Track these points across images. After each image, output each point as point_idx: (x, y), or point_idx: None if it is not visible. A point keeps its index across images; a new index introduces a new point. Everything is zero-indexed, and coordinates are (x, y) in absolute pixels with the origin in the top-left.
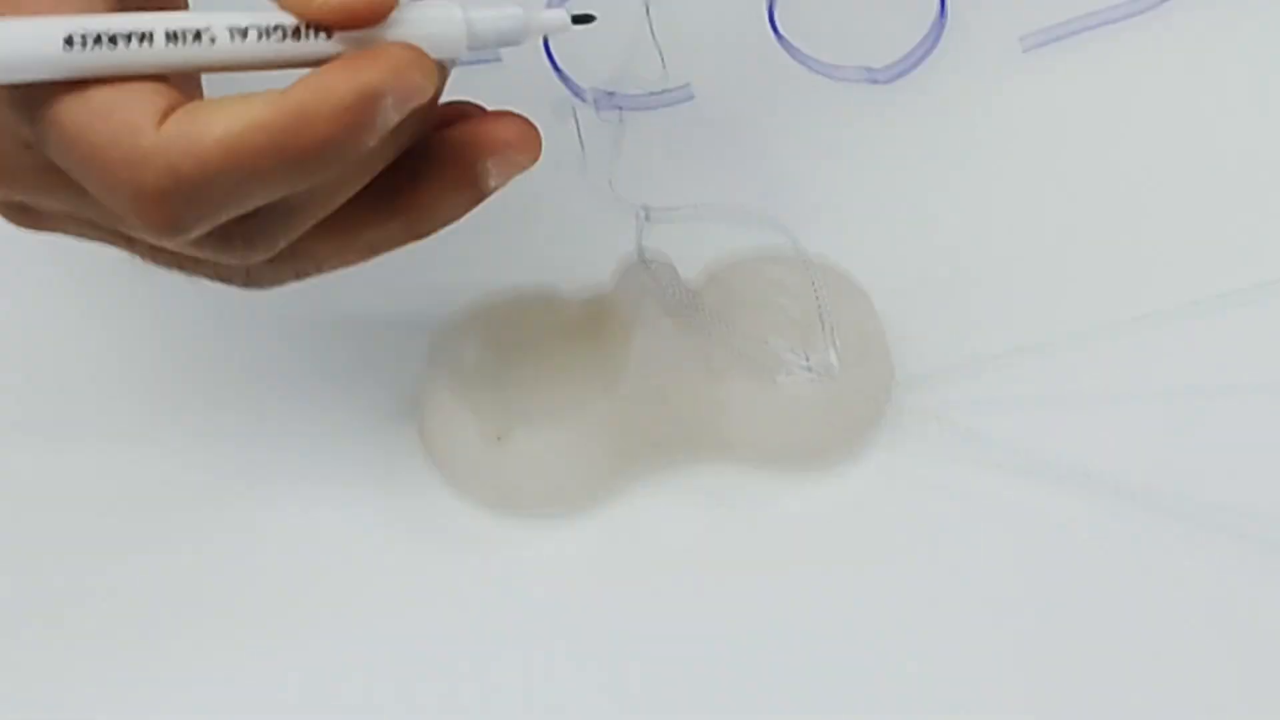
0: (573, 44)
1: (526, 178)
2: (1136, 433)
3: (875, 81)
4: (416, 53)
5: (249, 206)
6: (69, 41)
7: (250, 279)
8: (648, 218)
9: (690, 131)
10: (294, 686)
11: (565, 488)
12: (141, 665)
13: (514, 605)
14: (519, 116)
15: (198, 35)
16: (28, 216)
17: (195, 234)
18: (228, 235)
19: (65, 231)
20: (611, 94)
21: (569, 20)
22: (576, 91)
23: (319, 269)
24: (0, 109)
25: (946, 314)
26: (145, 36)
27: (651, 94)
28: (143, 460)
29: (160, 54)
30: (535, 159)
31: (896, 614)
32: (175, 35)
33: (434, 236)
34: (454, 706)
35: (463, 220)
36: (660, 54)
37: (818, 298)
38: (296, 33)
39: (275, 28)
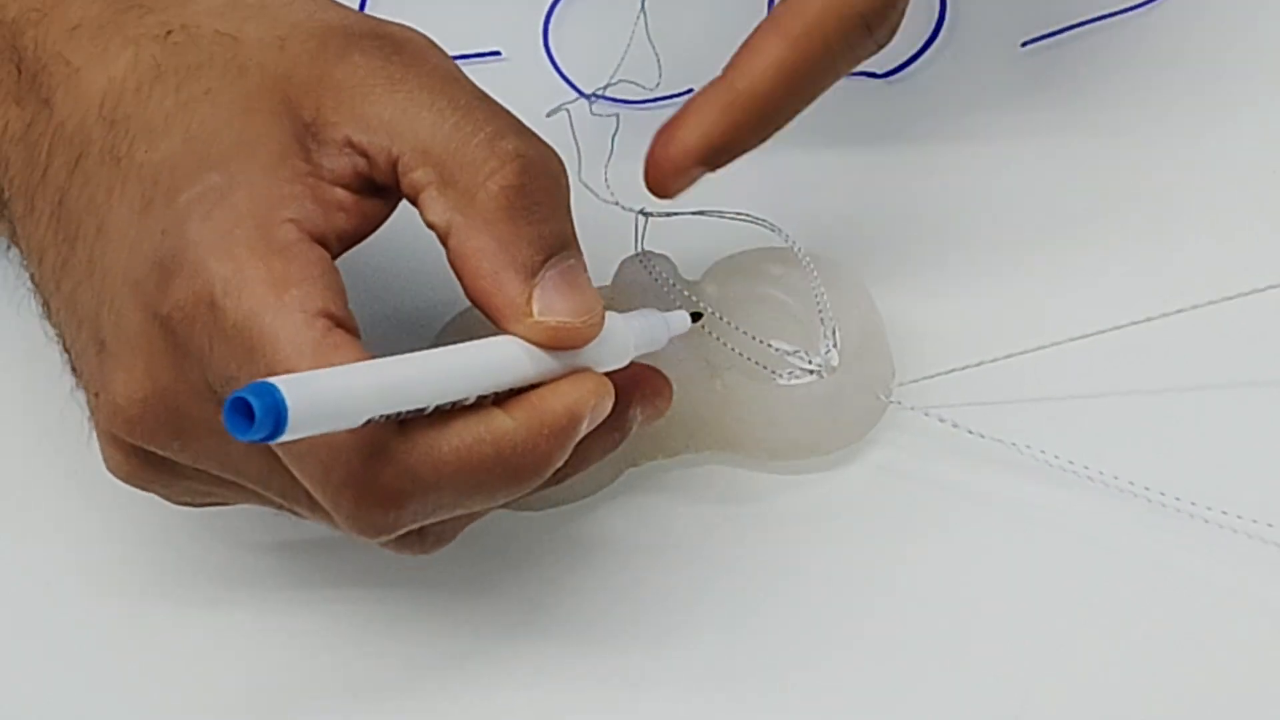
0: (572, 44)
1: None
2: (1136, 431)
3: (875, 79)
4: (603, 380)
5: (458, 512)
6: (368, 421)
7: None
8: (645, 219)
9: None
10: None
11: (567, 484)
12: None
13: (514, 600)
14: (656, 370)
15: (455, 404)
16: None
17: (397, 534)
18: (418, 536)
19: (210, 492)
20: (605, 94)
21: (689, 321)
22: (575, 91)
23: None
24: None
25: (947, 311)
26: (420, 410)
27: (653, 96)
28: None
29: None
30: (669, 406)
31: (896, 609)
32: (444, 407)
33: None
34: (449, 697)
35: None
36: (656, 54)
37: (817, 295)
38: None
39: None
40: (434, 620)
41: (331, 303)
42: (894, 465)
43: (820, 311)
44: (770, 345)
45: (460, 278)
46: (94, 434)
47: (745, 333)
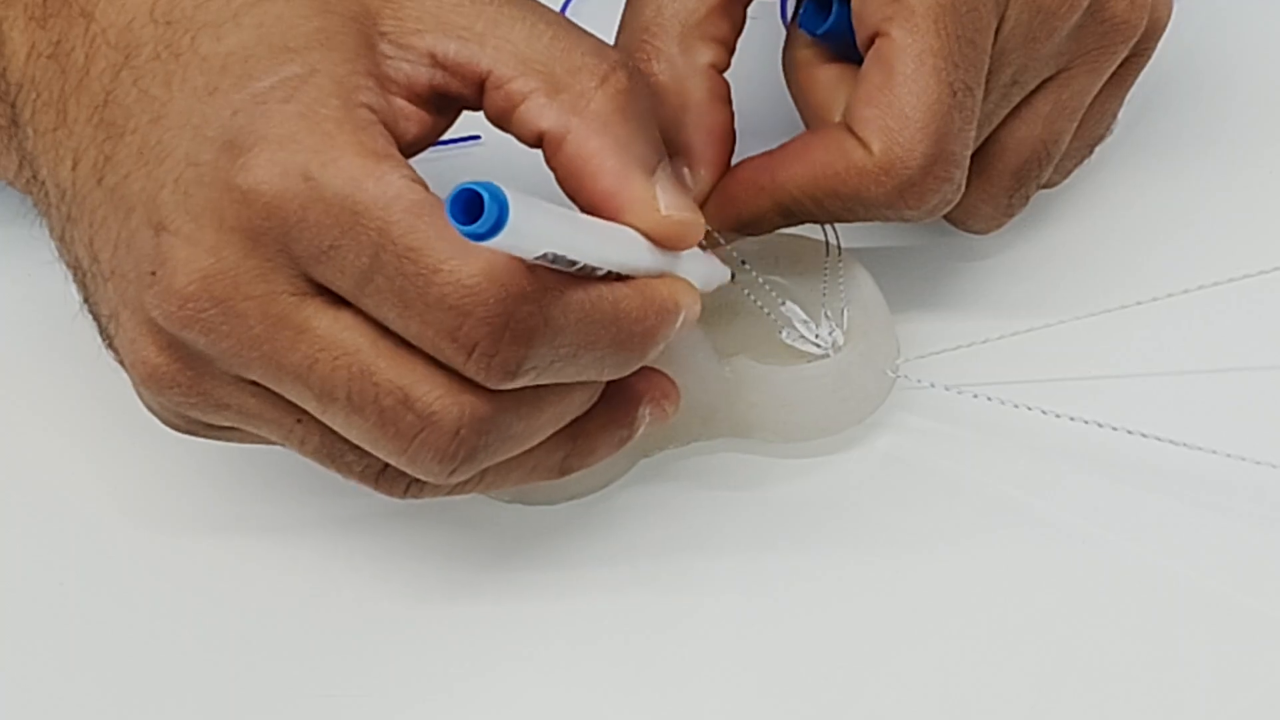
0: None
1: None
2: (1139, 409)
3: None
4: (694, 287)
5: (565, 375)
6: (542, 256)
7: (409, 492)
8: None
9: None
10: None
11: (580, 475)
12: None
13: (532, 590)
14: (665, 374)
15: (592, 269)
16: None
17: (520, 382)
18: (452, 453)
19: (227, 413)
20: None
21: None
22: None
23: (475, 490)
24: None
25: (949, 292)
26: (572, 264)
27: None
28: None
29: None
30: (676, 412)
31: (910, 593)
32: (587, 268)
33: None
34: (466, 688)
35: None
36: None
37: (824, 273)
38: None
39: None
40: (450, 612)
41: (416, 174)
42: (903, 444)
43: (824, 290)
44: (775, 321)
45: (577, 181)
46: (118, 335)
47: (750, 316)
